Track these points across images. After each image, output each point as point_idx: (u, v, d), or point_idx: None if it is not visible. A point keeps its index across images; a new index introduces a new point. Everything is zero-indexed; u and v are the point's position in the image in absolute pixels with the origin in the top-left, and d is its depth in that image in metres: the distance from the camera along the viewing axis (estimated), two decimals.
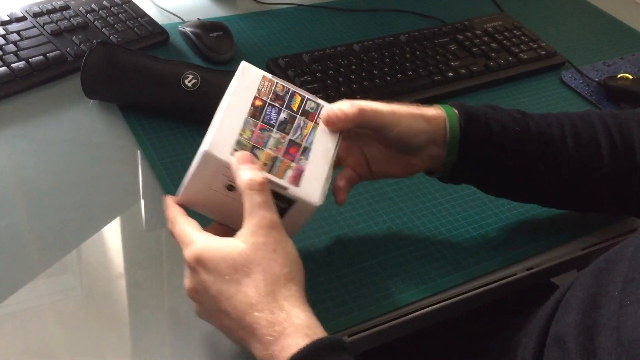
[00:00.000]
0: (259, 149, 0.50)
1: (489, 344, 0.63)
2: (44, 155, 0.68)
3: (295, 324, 0.43)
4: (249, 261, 0.44)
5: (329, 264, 0.60)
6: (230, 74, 0.74)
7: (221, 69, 0.80)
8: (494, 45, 0.92)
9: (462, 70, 0.85)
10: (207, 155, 0.48)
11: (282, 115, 0.53)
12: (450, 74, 0.84)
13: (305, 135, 0.53)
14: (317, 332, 0.43)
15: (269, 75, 0.55)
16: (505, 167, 0.59)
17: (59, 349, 0.51)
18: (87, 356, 0.51)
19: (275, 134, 0.52)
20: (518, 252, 0.64)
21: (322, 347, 0.42)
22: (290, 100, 0.54)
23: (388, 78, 0.81)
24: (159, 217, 0.63)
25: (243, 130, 0.51)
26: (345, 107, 0.54)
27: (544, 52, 0.92)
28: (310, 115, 0.54)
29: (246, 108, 0.52)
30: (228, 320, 0.45)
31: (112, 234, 0.61)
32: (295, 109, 0.54)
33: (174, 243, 0.57)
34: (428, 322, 0.59)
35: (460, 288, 0.60)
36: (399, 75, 0.82)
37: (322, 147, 0.54)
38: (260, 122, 0.52)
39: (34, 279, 0.56)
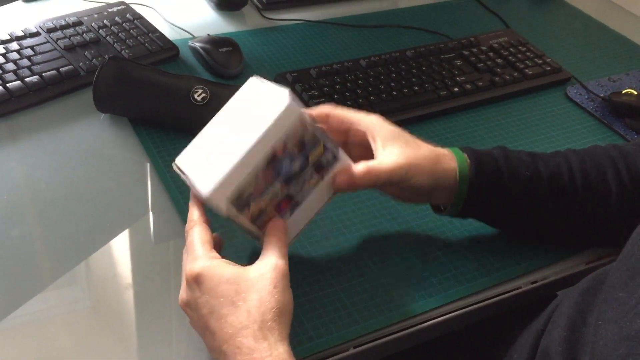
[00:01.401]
0: (254, 199, 0.50)
1: (485, 358, 0.63)
2: (56, 167, 0.69)
3: (273, 355, 0.44)
4: (250, 289, 0.46)
5: (331, 274, 0.61)
6: (238, 89, 0.76)
7: (230, 83, 0.82)
8: (499, 60, 0.93)
9: (468, 86, 0.86)
10: (208, 199, 0.49)
11: (295, 165, 0.51)
12: (456, 89, 0.85)
13: (304, 190, 0.53)
14: None
15: (306, 117, 0.50)
16: (514, 210, 0.61)
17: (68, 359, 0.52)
18: None
19: (277, 185, 0.51)
20: (522, 266, 0.64)
21: None
22: (311, 148, 0.51)
23: (394, 93, 0.82)
24: (167, 230, 0.64)
25: (248, 178, 0.49)
26: (359, 170, 0.54)
27: (549, 68, 0.93)
28: (321, 169, 0.53)
29: (264, 151, 0.48)
30: (212, 339, 0.47)
31: (121, 245, 0.62)
32: (310, 159, 0.52)
33: (179, 255, 0.58)
34: (429, 335, 0.59)
35: (463, 301, 0.60)
36: (405, 90, 0.83)
37: (312, 204, 0.54)
38: (270, 171, 0.50)
39: (44, 290, 0.57)
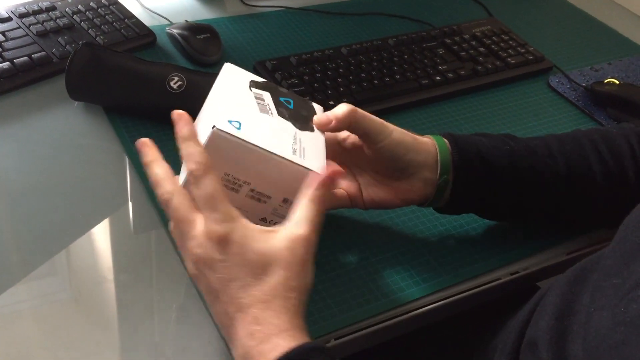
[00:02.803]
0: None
1: (468, 349, 0.62)
2: (27, 156, 0.67)
3: (294, 329, 0.43)
4: (278, 264, 0.45)
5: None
6: (215, 77, 0.74)
7: (208, 71, 0.80)
8: (482, 49, 0.92)
9: (450, 74, 0.85)
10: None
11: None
12: (438, 78, 0.84)
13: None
14: (307, 339, 0.44)
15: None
16: (499, 185, 0.59)
17: (47, 352, 0.51)
18: (75, 359, 0.51)
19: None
20: (502, 257, 0.64)
21: (310, 349, 0.43)
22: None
23: (376, 81, 0.81)
24: (144, 220, 0.63)
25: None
26: (339, 110, 0.55)
27: (531, 57, 0.92)
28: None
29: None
30: (224, 304, 0.45)
31: (96, 236, 0.61)
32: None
33: (160, 246, 0.57)
34: (409, 327, 0.59)
35: (443, 292, 0.60)
36: (387, 79, 0.82)
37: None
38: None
39: (17, 283, 0.55)
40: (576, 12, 1.11)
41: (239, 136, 0.48)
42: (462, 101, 0.85)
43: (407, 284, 0.60)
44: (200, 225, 0.45)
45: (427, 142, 0.58)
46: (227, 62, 0.59)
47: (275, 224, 0.51)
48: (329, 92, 0.79)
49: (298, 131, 0.53)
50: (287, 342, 0.43)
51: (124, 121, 0.72)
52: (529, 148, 0.60)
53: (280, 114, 0.54)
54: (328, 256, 0.61)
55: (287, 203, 0.52)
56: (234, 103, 0.52)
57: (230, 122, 0.49)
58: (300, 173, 0.50)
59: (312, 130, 0.55)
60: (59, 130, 0.71)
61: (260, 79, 0.57)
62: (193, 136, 0.47)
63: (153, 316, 0.55)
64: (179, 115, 0.49)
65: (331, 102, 0.77)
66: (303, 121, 0.55)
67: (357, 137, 0.57)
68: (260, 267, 0.44)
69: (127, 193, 0.65)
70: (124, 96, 0.71)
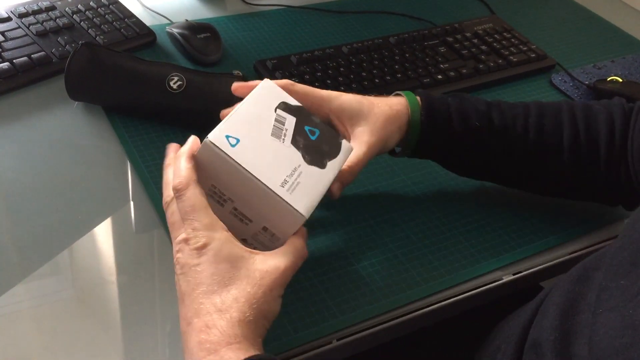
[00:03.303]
0: None
1: (471, 350, 0.62)
2: (27, 157, 0.67)
3: (240, 343, 0.43)
4: (247, 279, 0.45)
5: (312, 268, 0.59)
6: (216, 76, 0.74)
7: (208, 70, 0.80)
8: (483, 47, 0.91)
9: (452, 73, 0.85)
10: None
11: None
12: (440, 77, 0.84)
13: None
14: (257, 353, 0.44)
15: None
16: (464, 158, 0.63)
17: (48, 352, 0.51)
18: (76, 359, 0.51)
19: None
20: (505, 257, 0.63)
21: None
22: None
23: (377, 80, 0.81)
24: (145, 219, 0.62)
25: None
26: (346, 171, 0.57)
27: (534, 55, 0.91)
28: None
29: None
30: (187, 308, 0.46)
31: (97, 236, 0.61)
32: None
33: (161, 245, 0.57)
34: (411, 327, 0.58)
35: (446, 292, 0.59)
36: (388, 78, 0.82)
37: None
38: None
39: (19, 283, 0.55)
40: (579, 10, 1.10)
41: (229, 153, 0.48)
42: None
43: (409, 284, 0.59)
44: (184, 232, 0.47)
45: (403, 118, 0.60)
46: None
47: (255, 248, 0.51)
48: None
49: (304, 164, 0.51)
50: (235, 354, 0.42)
51: (123, 121, 0.72)
52: (502, 127, 0.61)
53: (294, 141, 0.52)
54: (329, 256, 0.61)
55: (268, 232, 0.51)
56: (247, 119, 0.51)
57: (227, 137, 0.49)
58: (281, 206, 0.49)
59: (322, 167, 0.52)
60: (59, 131, 0.70)
61: (294, 103, 0.54)
62: (182, 154, 0.49)
63: (155, 316, 0.54)
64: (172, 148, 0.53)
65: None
66: (318, 155, 0.52)
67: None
68: (228, 277, 0.45)
69: (128, 193, 0.65)
70: (124, 96, 0.71)
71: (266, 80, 0.55)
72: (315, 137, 0.53)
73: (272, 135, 0.51)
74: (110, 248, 0.60)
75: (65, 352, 0.51)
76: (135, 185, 0.65)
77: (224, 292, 0.44)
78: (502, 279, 0.62)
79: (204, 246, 0.46)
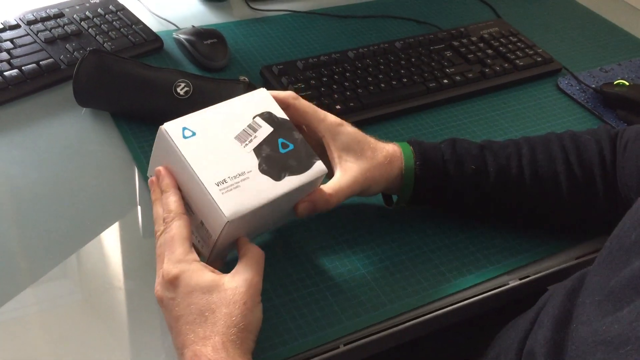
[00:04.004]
0: None
1: (472, 357, 0.62)
2: (36, 163, 0.67)
3: None
4: (221, 302, 0.47)
5: (320, 273, 0.60)
6: (222, 82, 0.74)
7: (215, 76, 0.80)
8: (489, 51, 0.91)
9: (458, 77, 0.85)
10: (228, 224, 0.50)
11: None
12: (446, 81, 0.84)
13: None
14: None
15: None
16: (461, 203, 0.63)
17: (55, 357, 0.51)
18: None
19: None
20: (510, 262, 0.63)
21: None
22: None
23: (382, 85, 0.81)
24: (151, 225, 0.62)
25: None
26: (322, 196, 0.56)
27: (540, 59, 0.91)
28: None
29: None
30: (176, 339, 0.48)
31: (105, 241, 0.61)
32: None
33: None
34: (418, 333, 0.58)
35: (452, 298, 0.59)
36: (394, 83, 0.82)
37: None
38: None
39: (27, 288, 0.56)
40: (585, 13, 1.10)
41: (177, 143, 0.51)
42: (470, 104, 0.84)
43: (416, 289, 0.59)
44: (159, 266, 0.50)
45: (398, 170, 0.60)
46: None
47: (198, 241, 0.54)
48: (336, 96, 0.78)
49: (255, 171, 0.52)
50: None
51: (131, 127, 0.72)
52: (498, 168, 0.61)
53: (257, 149, 0.53)
54: (335, 262, 0.61)
55: (203, 227, 0.52)
56: (218, 118, 0.53)
57: (184, 128, 0.51)
58: (210, 204, 0.50)
59: (276, 179, 0.52)
60: (67, 137, 0.71)
61: (280, 115, 0.55)
62: (169, 187, 0.52)
63: (161, 321, 0.54)
64: (157, 173, 0.54)
65: (338, 107, 0.77)
66: (277, 167, 0.52)
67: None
68: (204, 305, 0.47)
69: (136, 198, 0.65)
70: (131, 102, 0.71)
71: (262, 90, 0.57)
72: (286, 151, 0.54)
73: (235, 137, 0.53)
74: (118, 253, 0.61)
75: (73, 357, 0.51)
76: (142, 190, 0.66)
77: (203, 319, 0.46)
78: (508, 284, 0.62)
79: (175, 278, 0.48)
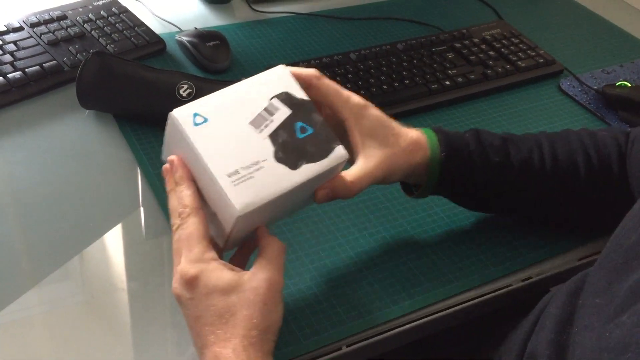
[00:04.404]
0: None
1: (475, 358, 0.62)
2: (39, 165, 0.68)
3: None
4: (240, 304, 0.46)
5: (322, 274, 0.60)
6: (225, 84, 0.74)
7: (218, 78, 0.81)
8: (491, 53, 0.91)
9: (460, 79, 0.85)
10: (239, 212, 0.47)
11: None
12: (448, 83, 0.84)
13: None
14: None
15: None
16: (484, 195, 0.61)
17: (58, 358, 0.51)
18: None
19: None
20: (513, 263, 0.63)
21: None
22: None
23: (385, 87, 0.81)
24: (155, 225, 0.63)
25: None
26: (344, 183, 0.53)
27: (542, 60, 0.91)
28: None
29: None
30: (195, 339, 0.47)
31: (108, 242, 0.61)
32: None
33: (171, 252, 0.57)
34: (420, 334, 0.58)
35: (454, 299, 0.59)
36: (396, 84, 0.82)
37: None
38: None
39: (30, 289, 0.56)
40: (587, 14, 1.10)
41: (187, 131, 0.48)
42: (472, 105, 0.84)
43: (418, 290, 0.59)
44: (176, 263, 0.48)
45: (422, 158, 0.58)
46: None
47: (213, 229, 0.51)
48: None
49: (271, 159, 0.48)
50: None
51: (134, 129, 0.72)
52: (521, 161, 0.60)
53: (273, 134, 0.49)
54: (338, 263, 0.61)
55: (217, 219, 0.50)
56: (231, 101, 0.50)
57: (195, 115, 0.48)
58: (221, 195, 0.47)
59: (293, 167, 0.49)
60: (70, 139, 0.71)
61: (300, 96, 0.51)
62: (183, 180, 0.49)
63: (165, 322, 0.55)
64: (170, 163, 0.51)
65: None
66: (294, 155, 0.49)
67: None
68: (224, 307, 0.46)
69: (138, 199, 0.66)
70: (134, 104, 0.72)
71: (281, 66, 0.52)
72: (304, 136, 0.50)
73: (250, 123, 0.49)
74: (121, 254, 0.61)
75: (76, 358, 0.51)
76: (145, 191, 0.66)
77: (223, 321, 0.45)
78: (511, 285, 0.62)
79: (194, 278, 0.46)
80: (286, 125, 0.50)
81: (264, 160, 0.48)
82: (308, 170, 0.49)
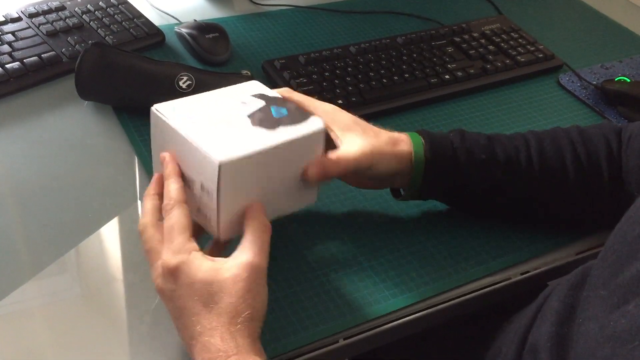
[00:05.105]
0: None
1: (473, 351, 0.62)
2: (37, 156, 0.67)
3: (240, 354, 0.44)
4: (223, 292, 0.46)
5: (320, 267, 0.60)
6: (224, 76, 0.75)
7: (217, 70, 0.80)
8: (491, 47, 0.91)
9: (459, 73, 0.85)
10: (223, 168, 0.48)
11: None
12: (447, 77, 0.84)
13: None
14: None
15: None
16: (471, 193, 0.62)
17: (56, 350, 0.51)
18: (83, 358, 0.51)
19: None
20: (512, 257, 0.63)
21: None
22: None
23: (384, 80, 0.81)
24: None
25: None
26: (330, 159, 0.55)
27: (541, 55, 0.91)
28: None
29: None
30: (182, 331, 0.47)
31: (106, 235, 0.61)
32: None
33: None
34: (418, 327, 0.59)
35: (453, 292, 0.60)
36: (396, 78, 0.82)
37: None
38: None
39: (27, 281, 0.56)
40: (586, 10, 1.10)
41: (166, 116, 0.52)
42: (472, 100, 0.84)
43: (417, 283, 0.59)
44: (156, 256, 0.49)
45: (405, 154, 0.59)
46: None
47: (205, 216, 0.52)
48: (338, 91, 0.78)
49: (249, 126, 0.51)
50: None
51: (133, 120, 0.72)
52: (507, 158, 0.60)
53: (250, 115, 0.53)
54: (336, 255, 0.61)
55: (205, 190, 0.50)
56: (207, 100, 0.54)
57: (175, 109, 0.53)
58: (203, 157, 0.49)
59: (272, 129, 0.52)
60: (69, 130, 0.71)
61: (272, 94, 0.56)
62: (171, 175, 0.51)
63: (162, 315, 0.55)
64: (162, 160, 0.53)
65: (340, 101, 0.77)
66: (272, 123, 0.52)
67: None
68: (207, 296, 0.46)
69: (136, 191, 0.66)
70: (133, 96, 0.71)
71: (254, 81, 0.58)
72: (279, 116, 0.53)
73: (227, 110, 0.53)
74: (119, 246, 0.61)
75: (73, 350, 0.51)
76: (143, 183, 0.66)
77: (207, 311, 0.46)
78: (510, 279, 0.62)
79: (175, 269, 0.47)
80: (262, 109, 0.54)
81: (243, 128, 0.51)
82: (286, 133, 0.52)
